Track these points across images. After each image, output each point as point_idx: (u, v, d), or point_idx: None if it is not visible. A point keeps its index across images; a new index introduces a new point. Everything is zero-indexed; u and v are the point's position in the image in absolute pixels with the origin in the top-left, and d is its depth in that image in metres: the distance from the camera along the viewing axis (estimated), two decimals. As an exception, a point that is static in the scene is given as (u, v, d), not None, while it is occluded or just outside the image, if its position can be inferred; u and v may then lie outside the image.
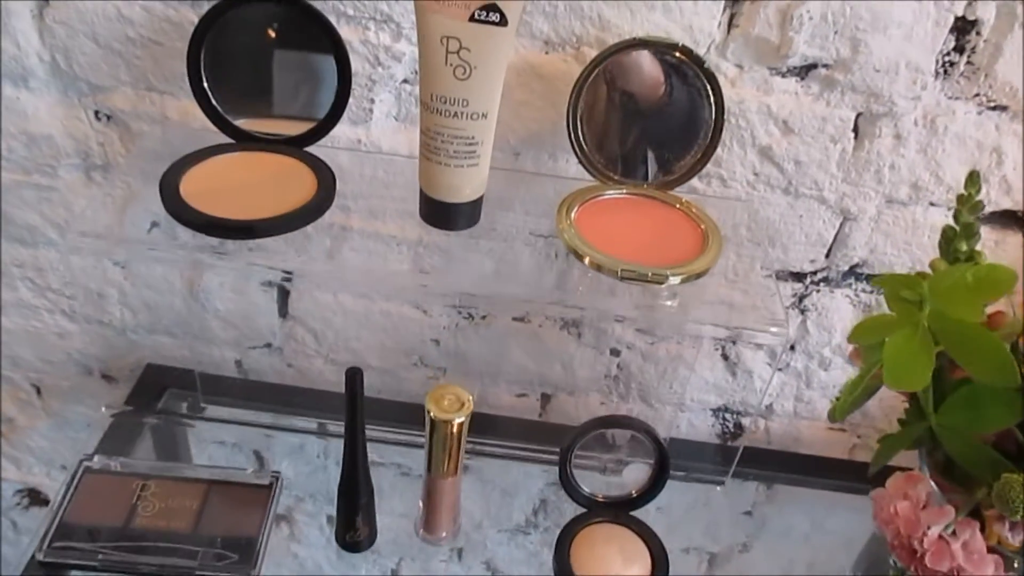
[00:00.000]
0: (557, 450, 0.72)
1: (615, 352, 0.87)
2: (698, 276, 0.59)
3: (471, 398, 0.63)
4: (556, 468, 0.73)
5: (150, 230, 0.85)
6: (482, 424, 0.70)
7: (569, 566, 0.67)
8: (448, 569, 0.84)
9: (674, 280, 0.58)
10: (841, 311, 0.82)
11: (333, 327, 0.89)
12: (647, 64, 0.63)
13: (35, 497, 1.12)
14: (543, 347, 0.88)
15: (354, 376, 0.59)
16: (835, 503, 0.88)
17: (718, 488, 0.83)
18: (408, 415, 0.88)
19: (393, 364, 0.91)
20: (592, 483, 0.74)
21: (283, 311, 0.89)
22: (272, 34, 0.65)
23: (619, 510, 0.71)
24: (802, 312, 0.83)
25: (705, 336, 0.83)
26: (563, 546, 0.69)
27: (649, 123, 0.66)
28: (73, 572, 0.64)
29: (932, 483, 0.60)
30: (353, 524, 0.69)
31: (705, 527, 0.83)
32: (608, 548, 0.67)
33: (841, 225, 0.77)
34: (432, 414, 0.62)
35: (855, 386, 0.57)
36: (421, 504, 0.71)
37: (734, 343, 0.85)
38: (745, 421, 0.92)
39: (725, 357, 0.87)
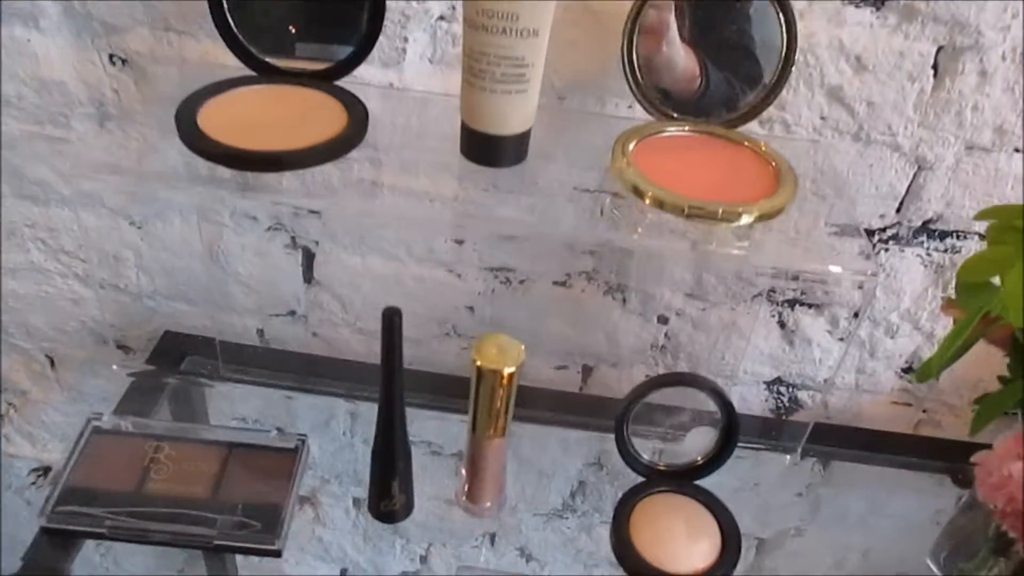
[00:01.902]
0: (598, 426, 0.66)
1: (663, 320, 0.81)
2: (774, 215, 0.53)
3: (522, 348, 0.57)
4: (597, 446, 0.67)
5: (168, 188, 0.80)
6: (518, 398, 0.65)
7: (629, 541, 0.60)
8: (480, 555, 0.78)
9: (747, 219, 0.52)
10: (911, 272, 0.76)
11: (361, 293, 0.84)
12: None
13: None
14: (585, 314, 0.82)
15: (392, 318, 0.54)
16: (901, 482, 0.81)
17: (788, 459, 0.76)
18: (440, 387, 0.83)
19: (425, 334, 0.86)
20: (651, 452, 0.68)
21: (308, 276, 0.84)
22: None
23: (682, 479, 0.65)
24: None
25: (780, 285, 0.76)
26: (621, 519, 0.62)
27: (711, 54, 0.60)
28: (82, 540, 0.59)
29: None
30: (388, 491, 0.63)
31: (763, 507, 0.76)
32: (672, 520, 0.61)
33: (915, 175, 0.70)
34: (479, 363, 0.56)
35: (954, 337, 0.51)
36: (464, 471, 0.65)
37: (792, 308, 0.79)
38: (802, 395, 0.86)
39: (782, 325, 0.80)
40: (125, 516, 0.58)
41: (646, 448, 0.69)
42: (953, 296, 0.55)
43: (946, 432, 0.86)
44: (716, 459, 0.64)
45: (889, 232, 0.74)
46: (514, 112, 0.54)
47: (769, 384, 0.85)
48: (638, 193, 0.53)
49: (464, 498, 0.66)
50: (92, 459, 0.63)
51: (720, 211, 0.51)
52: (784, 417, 0.86)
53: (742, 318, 0.80)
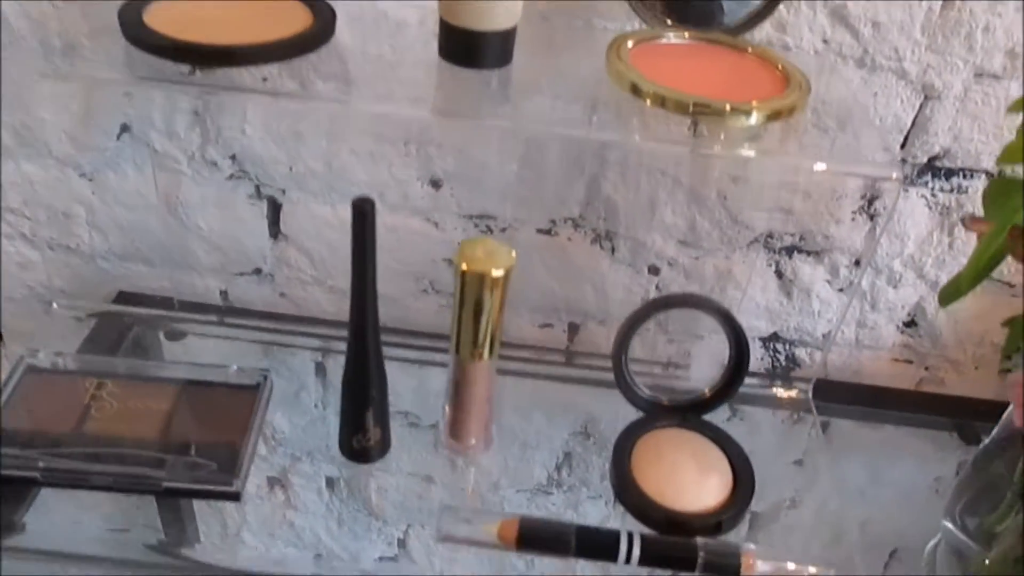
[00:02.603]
0: (584, 390, 0.60)
1: (654, 270, 0.76)
2: (786, 114, 0.48)
3: (512, 252, 0.52)
4: (584, 412, 0.62)
5: (120, 135, 0.75)
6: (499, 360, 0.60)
7: (631, 479, 0.55)
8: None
9: (757, 117, 0.47)
10: (916, 215, 0.72)
11: (331, 247, 0.78)
12: None
13: None
14: (571, 265, 0.77)
15: (363, 208, 0.47)
16: (904, 441, 0.77)
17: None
18: (416, 348, 0.77)
19: (399, 291, 0.80)
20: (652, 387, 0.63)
21: (274, 230, 0.78)
22: None
23: (688, 414, 0.59)
24: (871, 217, 0.72)
25: (778, 228, 0.71)
26: (622, 456, 0.57)
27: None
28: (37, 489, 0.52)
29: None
30: (362, 424, 0.57)
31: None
32: (678, 455, 0.56)
33: (922, 106, 0.66)
34: (463, 268, 0.50)
35: (984, 250, 0.46)
36: (446, 406, 0.59)
37: (791, 255, 0.74)
38: (800, 352, 0.81)
39: (779, 274, 0.76)
40: (60, 457, 0.52)
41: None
42: (976, 214, 0.51)
43: (949, 390, 0.82)
44: (725, 390, 0.59)
45: (893, 171, 0.69)
46: (498, 4, 0.48)
47: (765, 341, 0.81)
48: (637, 93, 0.48)
49: (447, 436, 0.60)
50: (25, 399, 0.56)
51: (727, 107, 0.46)
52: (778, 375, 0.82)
53: (738, 267, 0.75)
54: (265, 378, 0.60)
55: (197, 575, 0.60)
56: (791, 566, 0.52)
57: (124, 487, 0.51)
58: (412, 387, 0.76)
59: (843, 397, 0.78)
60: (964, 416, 0.78)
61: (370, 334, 0.54)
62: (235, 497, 0.52)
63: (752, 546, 0.53)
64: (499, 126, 0.60)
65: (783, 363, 0.82)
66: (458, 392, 0.56)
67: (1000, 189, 0.48)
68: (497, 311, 0.53)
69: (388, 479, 0.67)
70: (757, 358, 0.82)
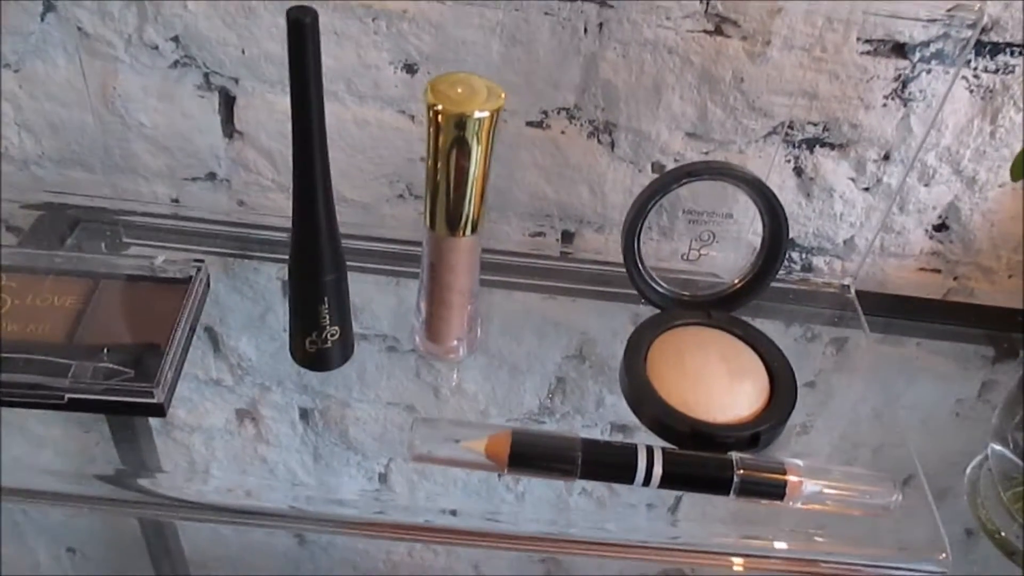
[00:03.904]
0: (580, 305, 0.52)
1: (658, 167, 0.68)
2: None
3: (501, 91, 0.43)
4: (577, 331, 0.53)
5: (44, 15, 0.65)
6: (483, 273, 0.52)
7: (648, 384, 0.46)
8: (448, 469, 0.65)
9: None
10: (955, 99, 0.63)
11: (294, 147, 0.69)
12: None
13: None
14: (566, 164, 0.68)
15: (301, 20, 0.37)
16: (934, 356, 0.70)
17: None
18: (393, 261, 0.69)
19: (372, 196, 0.71)
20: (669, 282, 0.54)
21: (228, 128, 0.69)
22: None
23: (713, 309, 0.51)
24: (904, 103, 0.63)
25: (799, 116, 0.63)
26: (635, 359, 0.48)
27: None
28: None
29: None
30: (315, 320, 0.48)
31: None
32: (704, 357, 0.47)
33: (970, -34, 0.57)
34: (437, 107, 0.41)
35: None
36: (422, 302, 0.50)
37: (812, 150, 0.66)
38: (817, 261, 0.73)
39: (798, 172, 0.68)
40: None
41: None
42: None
43: (978, 301, 0.75)
44: (758, 279, 0.50)
45: (933, 48, 0.61)
46: None
47: (779, 249, 0.73)
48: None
49: (423, 337, 0.51)
50: None
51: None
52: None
53: (752, 162, 0.66)
54: (199, 269, 0.51)
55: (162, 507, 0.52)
56: (844, 485, 0.43)
57: (18, 400, 0.43)
58: (390, 306, 0.68)
59: (865, 308, 0.70)
60: (999, 327, 0.71)
61: (320, 198, 0.44)
62: (158, 411, 0.44)
63: (799, 462, 0.44)
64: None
65: (799, 272, 0.74)
66: (434, 279, 0.47)
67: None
68: (482, 169, 0.43)
69: (366, 408, 0.60)
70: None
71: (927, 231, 0.71)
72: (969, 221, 0.70)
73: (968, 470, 0.58)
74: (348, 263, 0.53)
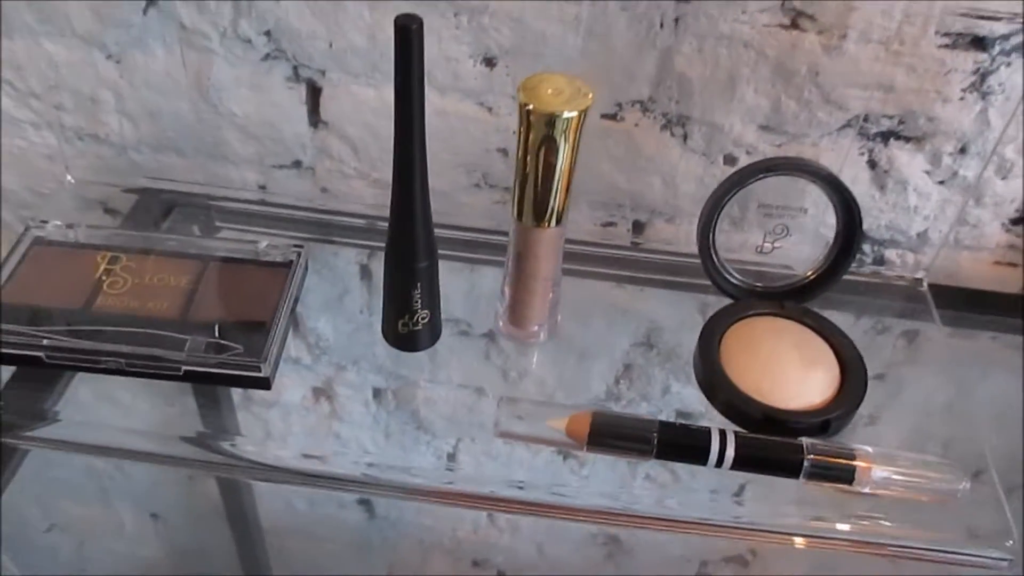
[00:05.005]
0: (649, 294, 0.53)
1: (730, 159, 0.69)
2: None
3: (589, 91, 0.44)
4: (646, 319, 0.55)
5: (146, 9, 0.68)
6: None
7: (721, 370, 0.48)
8: (516, 451, 0.68)
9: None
10: (1035, 91, 0.63)
11: (376, 136, 0.72)
12: None
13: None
14: (638, 155, 0.69)
15: (408, 26, 0.40)
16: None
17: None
18: (467, 248, 0.71)
19: (450, 184, 0.74)
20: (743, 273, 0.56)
21: (314, 118, 0.72)
22: None
23: (786, 300, 0.52)
24: (983, 96, 0.63)
25: (875, 109, 0.63)
26: (709, 345, 0.50)
27: None
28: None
29: None
30: (408, 302, 0.50)
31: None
32: (777, 346, 0.48)
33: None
34: (530, 107, 0.43)
35: None
36: (505, 288, 0.53)
37: (887, 143, 0.66)
38: (889, 254, 0.73)
39: (872, 165, 0.68)
40: (68, 336, 0.47)
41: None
42: None
43: (1056, 297, 0.74)
44: (831, 272, 0.51)
45: (1013, 40, 0.60)
46: None
47: (851, 241, 0.73)
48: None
49: (506, 321, 0.53)
50: (31, 273, 0.51)
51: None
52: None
53: (826, 155, 0.67)
54: (299, 254, 0.54)
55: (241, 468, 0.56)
56: (913, 471, 0.44)
57: (139, 370, 0.46)
58: (463, 291, 0.70)
59: (937, 302, 0.70)
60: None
61: (417, 191, 0.47)
62: (264, 384, 0.47)
63: (868, 448, 0.45)
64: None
65: (871, 265, 0.74)
66: (519, 267, 0.49)
67: None
68: (568, 165, 0.46)
69: (437, 391, 0.63)
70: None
71: (1004, 224, 0.71)
72: (1047, 215, 0.69)
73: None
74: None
